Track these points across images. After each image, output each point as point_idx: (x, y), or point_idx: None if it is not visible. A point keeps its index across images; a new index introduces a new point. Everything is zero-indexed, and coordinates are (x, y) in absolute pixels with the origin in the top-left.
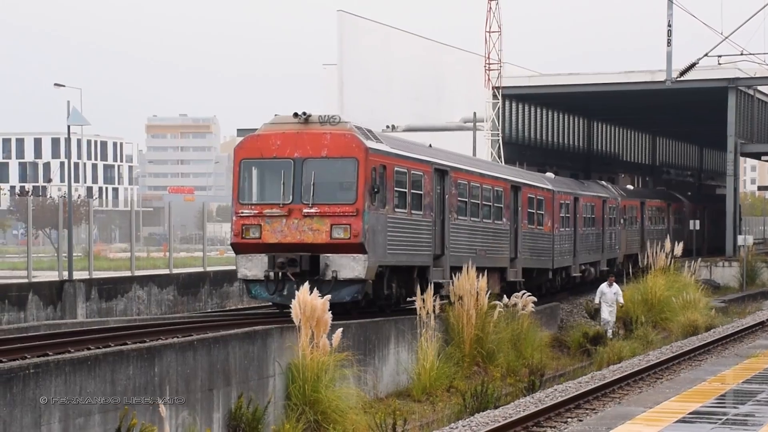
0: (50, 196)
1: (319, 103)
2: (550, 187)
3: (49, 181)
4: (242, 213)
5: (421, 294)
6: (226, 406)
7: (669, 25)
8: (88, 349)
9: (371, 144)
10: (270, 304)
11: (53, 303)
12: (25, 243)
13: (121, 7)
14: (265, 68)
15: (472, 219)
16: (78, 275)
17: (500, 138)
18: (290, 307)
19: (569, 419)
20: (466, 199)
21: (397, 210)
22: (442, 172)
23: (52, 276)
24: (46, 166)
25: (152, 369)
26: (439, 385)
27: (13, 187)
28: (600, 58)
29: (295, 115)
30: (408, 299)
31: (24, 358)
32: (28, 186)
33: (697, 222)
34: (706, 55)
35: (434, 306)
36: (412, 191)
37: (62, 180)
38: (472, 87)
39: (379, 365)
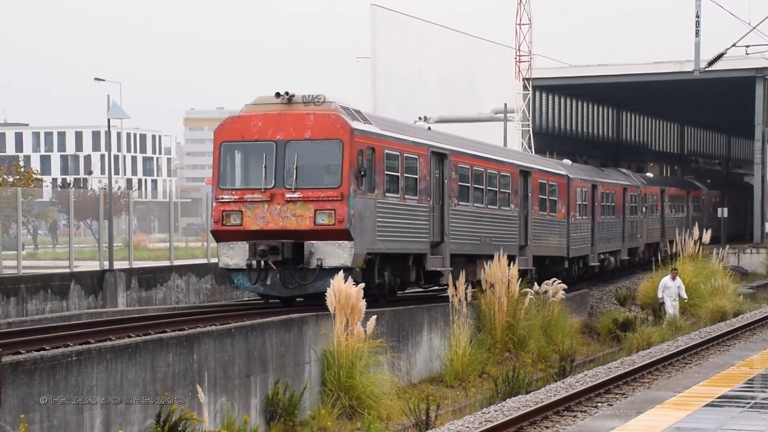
0: (91, 188)
1: (353, 96)
2: (564, 172)
3: (90, 173)
4: (222, 198)
5: (417, 283)
6: (263, 392)
7: (697, 16)
8: (129, 337)
9: (357, 125)
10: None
11: (94, 292)
12: (66, 234)
13: (158, 1)
14: (300, 61)
15: (476, 205)
16: (118, 265)
17: (530, 128)
18: (277, 298)
19: (599, 404)
20: (469, 184)
21: (388, 195)
22: (440, 156)
23: (93, 266)
24: (87, 158)
25: (191, 356)
26: (472, 371)
27: (54, 180)
28: (628, 50)
29: (278, 95)
30: (407, 290)
31: (67, 345)
32: (70, 178)
33: (725, 210)
34: (734, 45)
35: (466, 293)
36: (406, 175)
37: (102, 172)
38: (502, 79)
39: (413, 352)
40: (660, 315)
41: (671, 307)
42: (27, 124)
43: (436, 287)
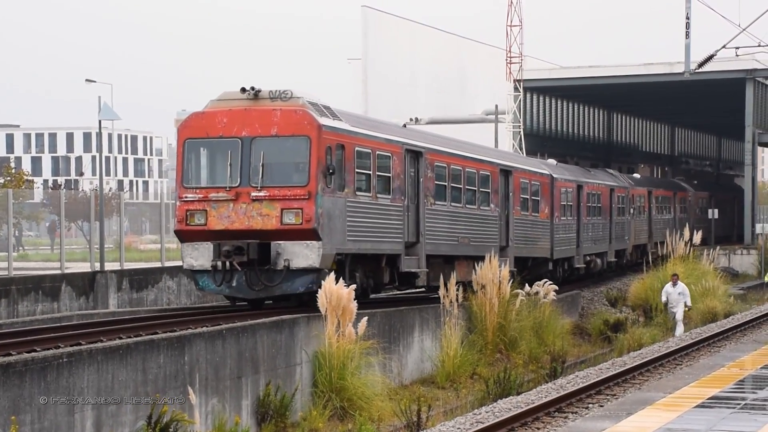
0: (82, 190)
1: (344, 97)
2: (547, 172)
3: (81, 174)
4: (186, 197)
5: (392, 284)
6: (255, 394)
7: (687, 18)
8: (120, 338)
9: (326, 121)
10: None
11: (86, 293)
12: (58, 235)
13: (152, 2)
14: (291, 62)
15: (453, 204)
16: (109, 266)
17: (521, 130)
18: (243, 300)
19: (590, 405)
20: (446, 183)
21: (359, 193)
22: (415, 154)
23: (84, 267)
24: (78, 160)
25: (182, 357)
26: (463, 372)
27: (46, 181)
28: (619, 52)
29: (243, 90)
30: (381, 292)
31: (58, 347)
32: (61, 179)
33: (716, 211)
34: (724, 46)
35: (457, 295)
36: (378, 173)
37: (94, 173)
38: (494, 80)
39: (404, 353)
40: (651, 317)
41: (677, 314)
42: (18, 125)
43: (415, 289)
